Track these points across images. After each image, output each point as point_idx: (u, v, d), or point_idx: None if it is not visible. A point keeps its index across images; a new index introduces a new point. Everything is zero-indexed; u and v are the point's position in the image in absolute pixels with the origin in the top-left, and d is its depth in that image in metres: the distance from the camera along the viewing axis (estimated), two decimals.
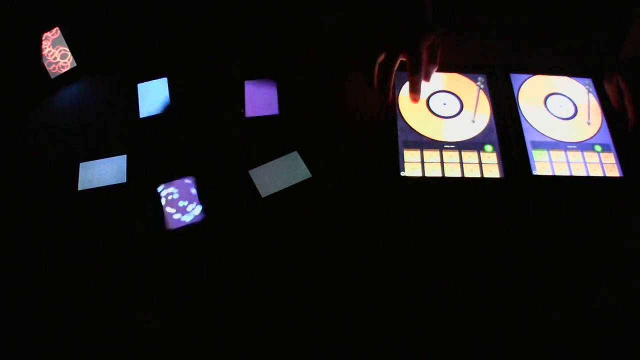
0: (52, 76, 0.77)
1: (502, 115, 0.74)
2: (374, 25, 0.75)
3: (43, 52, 0.74)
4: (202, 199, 0.65)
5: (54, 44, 0.76)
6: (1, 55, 0.73)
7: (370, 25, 0.77)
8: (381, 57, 0.72)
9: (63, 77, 0.78)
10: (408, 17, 0.71)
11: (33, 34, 0.73)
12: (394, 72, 0.72)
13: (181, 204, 0.65)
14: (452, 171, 0.68)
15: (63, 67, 0.78)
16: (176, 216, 0.64)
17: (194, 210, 0.64)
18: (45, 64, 0.76)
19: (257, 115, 0.72)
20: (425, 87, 0.76)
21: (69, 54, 0.77)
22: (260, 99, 0.73)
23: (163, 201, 0.65)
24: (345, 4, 0.84)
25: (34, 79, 0.76)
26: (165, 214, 0.64)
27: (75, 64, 0.78)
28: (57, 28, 0.75)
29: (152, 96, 0.76)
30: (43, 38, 0.74)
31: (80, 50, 0.78)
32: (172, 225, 0.63)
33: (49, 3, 0.76)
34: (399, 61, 0.71)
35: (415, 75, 0.71)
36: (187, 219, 0.64)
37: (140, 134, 0.73)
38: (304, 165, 0.69)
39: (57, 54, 0.76)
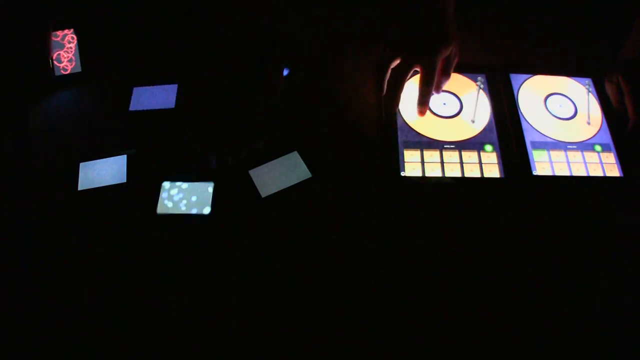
0: (57, 74, 0.77)
1: (502, 115, 0.74)
2: (394, 30, 0.74)
3: (51, 48, 0.75)
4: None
5: (60, 45, 0.77)
6: (9, 47, 0.74)
7: (390, 31, 0.77)
8: (395, 63, 0.71)
9: (66, 78, 0.78)
10: (430, 27, 0.69)
11: (43, 28, 0.74)
12: (405, 81, 0.70)
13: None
14: (452, 171, 0.68)
15: (65, 69, 0.78)
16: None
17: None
18: (55, 61, 0.76)
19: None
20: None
21: (69, 57, 0.77)
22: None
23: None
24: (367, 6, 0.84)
25: (39, 74, 0.76)
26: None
27: (79, 69, 0.79)
28: (72, 30, 0.77)
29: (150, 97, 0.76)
30: (53, 35, 0.75)
31: (87, 56, 0.79)
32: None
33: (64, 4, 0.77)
34: (412, 70, 0.70)
35: (427, 87, 0.69)
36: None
37: (140, 134, 0.73)
38: (304, 165, 0.69)
39: (63, 55, 0.77)
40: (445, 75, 0.72)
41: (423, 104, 0.71)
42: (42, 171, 0.70)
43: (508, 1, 0.87)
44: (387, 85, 0.71)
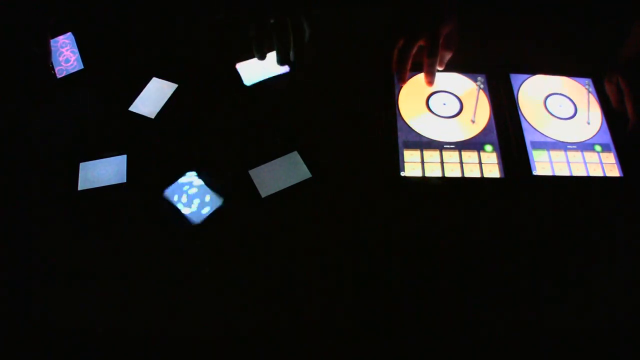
0: (59, 76, 0.78)
1: (502, 115, 0.74)
2: (394, 17, 0.79)
3: (51, 53, 0.76)
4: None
5: (63, 47, 0.77)
6: (9, 52, 0.74)
7: (392, 15, 0.81)
8: (400, 43, 0.74)
9: (68, 78, 0.78)
10: (428, 8, 0.74)
11: (42, 32, 0.74)
12: (412, 56, 0.73)
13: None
14: (452, 171, 0.68)
15: (61, 71, 0.78)
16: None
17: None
18: (54, 64, 0.77)
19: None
20: (426, 87, 0.76)
21: (72, 58, 0.78)
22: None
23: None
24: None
25: (40, 79, 0.77)
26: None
27: (82, 66, 0.79)
28: (70, 33, 0.78)
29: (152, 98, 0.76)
30: (51, 40, 0.76)
31: (88, 54, 0.79)
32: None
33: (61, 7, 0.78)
34: (417, 45, 0.73)
35: (432, 58, 0.73)
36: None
37: (140, 134, 0.73)
38: (304, 165, 0.69)
39: (65, 57, 0.78)
40: (448, 50, 0.75)
41: (430, 74, 0.75)
42: (42, 171, 0.70)
43: (508, 1, 0.87)
44: (395, 63, 0.75)
